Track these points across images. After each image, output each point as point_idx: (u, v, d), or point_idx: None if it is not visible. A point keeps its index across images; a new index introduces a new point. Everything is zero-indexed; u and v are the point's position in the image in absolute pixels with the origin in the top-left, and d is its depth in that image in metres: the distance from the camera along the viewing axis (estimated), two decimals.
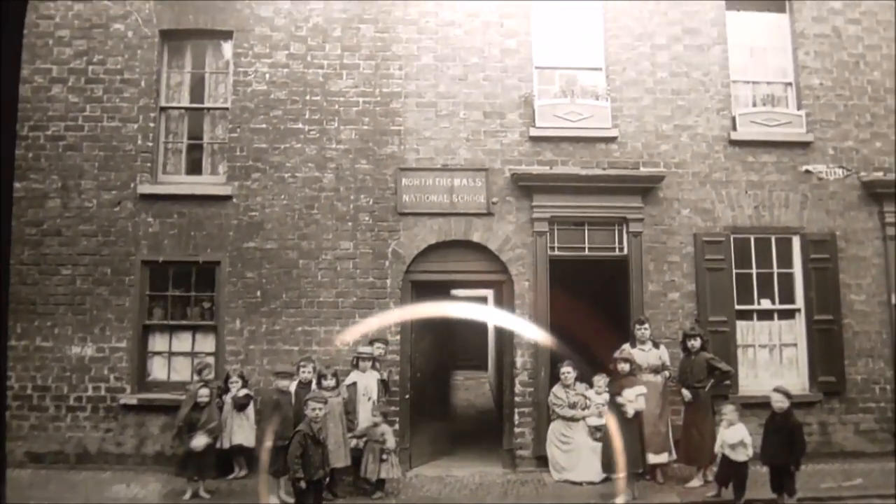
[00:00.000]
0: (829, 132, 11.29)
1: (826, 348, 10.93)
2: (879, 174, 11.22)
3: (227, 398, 9.93)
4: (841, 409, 10.94)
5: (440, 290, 10.81)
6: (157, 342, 10.67)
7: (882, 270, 11.13)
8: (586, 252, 10.90)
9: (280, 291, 10.59)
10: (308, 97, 10.91)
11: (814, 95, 11.34)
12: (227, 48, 11.18)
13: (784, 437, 9.20)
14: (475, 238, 10.74)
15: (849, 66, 11.43)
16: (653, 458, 10.00)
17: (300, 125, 10.86)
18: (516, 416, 10.61)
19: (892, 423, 10.98)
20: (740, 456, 9.41)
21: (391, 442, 9.65)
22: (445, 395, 10.60)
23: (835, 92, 11.37)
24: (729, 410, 9.67)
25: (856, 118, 11.33)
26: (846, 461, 10.80)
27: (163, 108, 11.03)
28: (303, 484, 8.13)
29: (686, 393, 10.11)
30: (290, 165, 10.79)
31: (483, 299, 11.17)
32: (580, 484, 10.05)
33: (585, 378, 10.46)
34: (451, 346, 10.92)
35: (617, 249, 10.95)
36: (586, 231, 10.93)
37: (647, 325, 10.45)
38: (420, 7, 11.19)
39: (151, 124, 10.83)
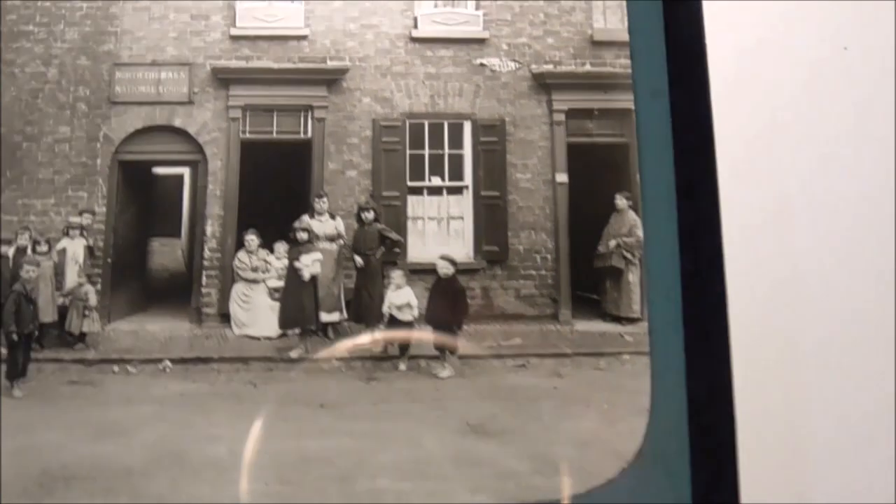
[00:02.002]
0: (505, 30, 12.51)
1: (491, 221, 12.15)
2: (549, 67, 12.41)
3: None
4: (503, 275, 12.12)
5: (144, 167, 12.37)
6: None
7: (548, 152, 12.30)
8: (275, 135, 12.32)
9: (4, 170, 12.19)
10: (39, 3, 12.52)
11: None
12: None
13: (448, 300, 10.55)
14: (177, 123, 12.22)
15: None
16: (325, 317, 11.39)
17: (31, 27, 12.47)
18: (204, 278, 12.05)
19: (551, 289, 12.13)
20: (406, 316, 10.76)
21: (93, 300, 11.24)
22: (143, 259, 12.17)
23: None
24: (397, 275, 11.06)
25: (530, 17, 12.54)
26: (507, 323, 11.95)
27: None
28: (15, 336, 9.81)
29: (358, 259, 11.47)
30: (19, 62, 12.40)
31: (180, 176, 12.83)
32: (258, 338, 11.45)
33: (268, 245, 11.86)
34: (150, 216, 12.48)
35: (302, 133, 12.35)
36: (275, 117, 12.35)
37: (325, 199, 11.83)
38: None
39: None
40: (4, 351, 10.20)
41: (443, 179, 12.29)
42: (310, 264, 11.23)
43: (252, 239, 11.71)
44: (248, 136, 12.26)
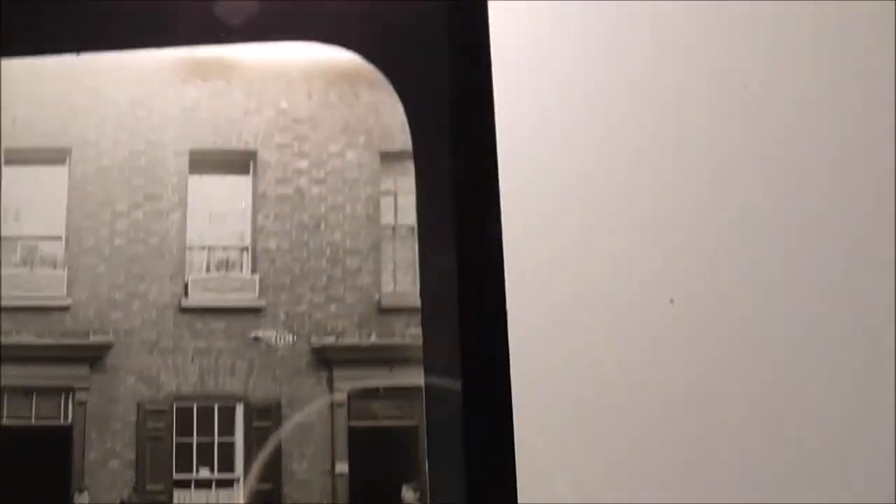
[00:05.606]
0: (283, 296, 11.24)
1: None
2: (331, 339, 11.11)
3: None
4: None
5: None
6: None
7: (327, 438, 11.04)
8: (33, 421, 11.34)
9: None
10: None
11: (269, 259, 11.31)
12: None
13: None
14: None
15: (309, 227, 11.33)
16: None
17: None
18: None
19: None
20: None
21: None
22: None
23: (292, 255, 11.30)
24: None
25: (311, 281, 11.23)
26: None
27: None
28: None
29: None
30: None
31: None
32: None
33: None
34: None
35: (62, 418, 11.34)
36: (34, 400, 11.37)
37: (85, 493, 10.84)
38: None
39: None
40: None
41: (212, 471, 11.16)
42: None
43: None
44: (4, 422, 11.33)
